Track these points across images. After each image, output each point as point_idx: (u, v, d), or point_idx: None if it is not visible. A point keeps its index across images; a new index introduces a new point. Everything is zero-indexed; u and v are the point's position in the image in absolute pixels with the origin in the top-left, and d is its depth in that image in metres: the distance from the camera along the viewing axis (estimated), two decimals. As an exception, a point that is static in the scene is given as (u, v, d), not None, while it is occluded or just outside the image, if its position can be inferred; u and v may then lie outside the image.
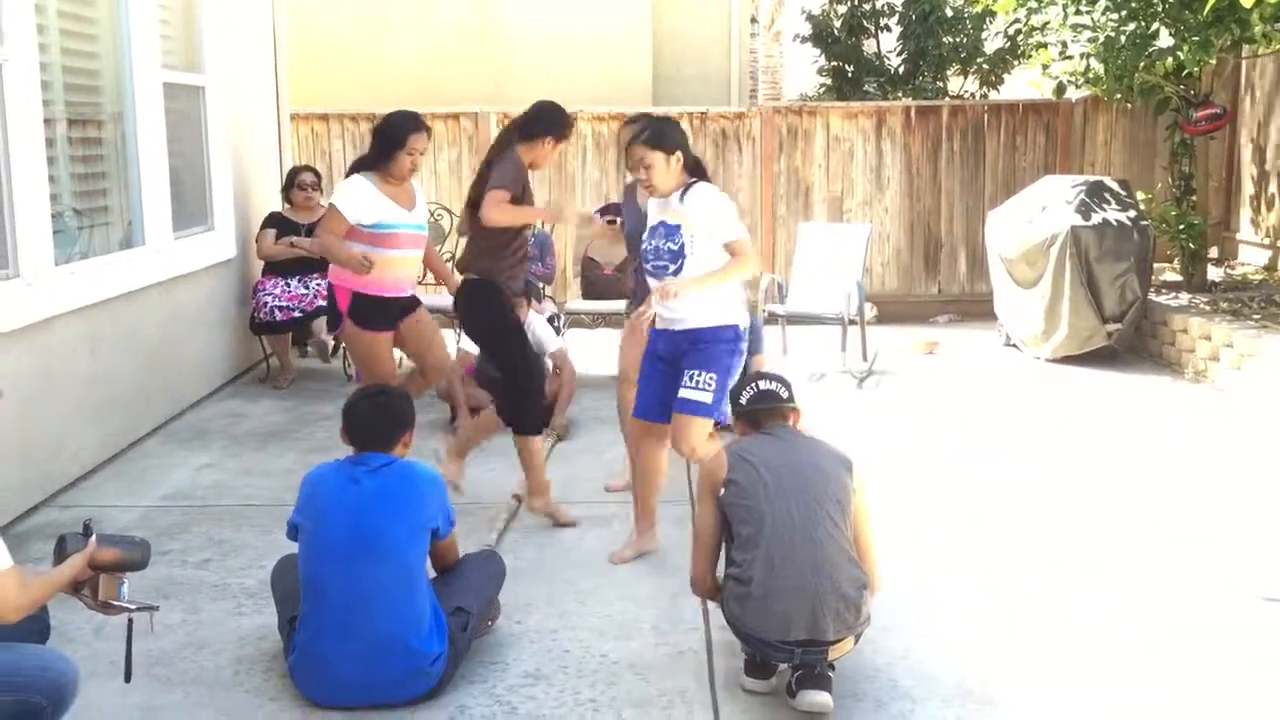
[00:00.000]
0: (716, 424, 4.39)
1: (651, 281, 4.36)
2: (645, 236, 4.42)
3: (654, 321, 4.38)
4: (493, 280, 4.86)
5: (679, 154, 4.28)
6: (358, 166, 5.20)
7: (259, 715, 3.33)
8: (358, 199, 4.98)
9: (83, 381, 5.54)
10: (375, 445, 3.51)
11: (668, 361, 4.36)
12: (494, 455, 5.66)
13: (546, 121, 4.92)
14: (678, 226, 4.26)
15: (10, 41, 4.89)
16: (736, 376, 4.26)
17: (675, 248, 4.25)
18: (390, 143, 5.01)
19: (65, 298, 5.33)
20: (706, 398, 4.20)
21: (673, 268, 4.25)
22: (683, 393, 4.25)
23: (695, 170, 4.39)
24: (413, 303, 5.20)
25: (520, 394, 4.87)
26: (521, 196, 4.80)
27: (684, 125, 9.65)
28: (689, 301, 4.20)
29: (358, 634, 3.27)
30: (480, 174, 4.89)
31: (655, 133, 4.29)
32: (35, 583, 2.75)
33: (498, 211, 4.69)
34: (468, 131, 9.84)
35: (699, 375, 4.23)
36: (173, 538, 4.73)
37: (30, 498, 5.08)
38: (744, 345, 4.37)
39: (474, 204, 4.83)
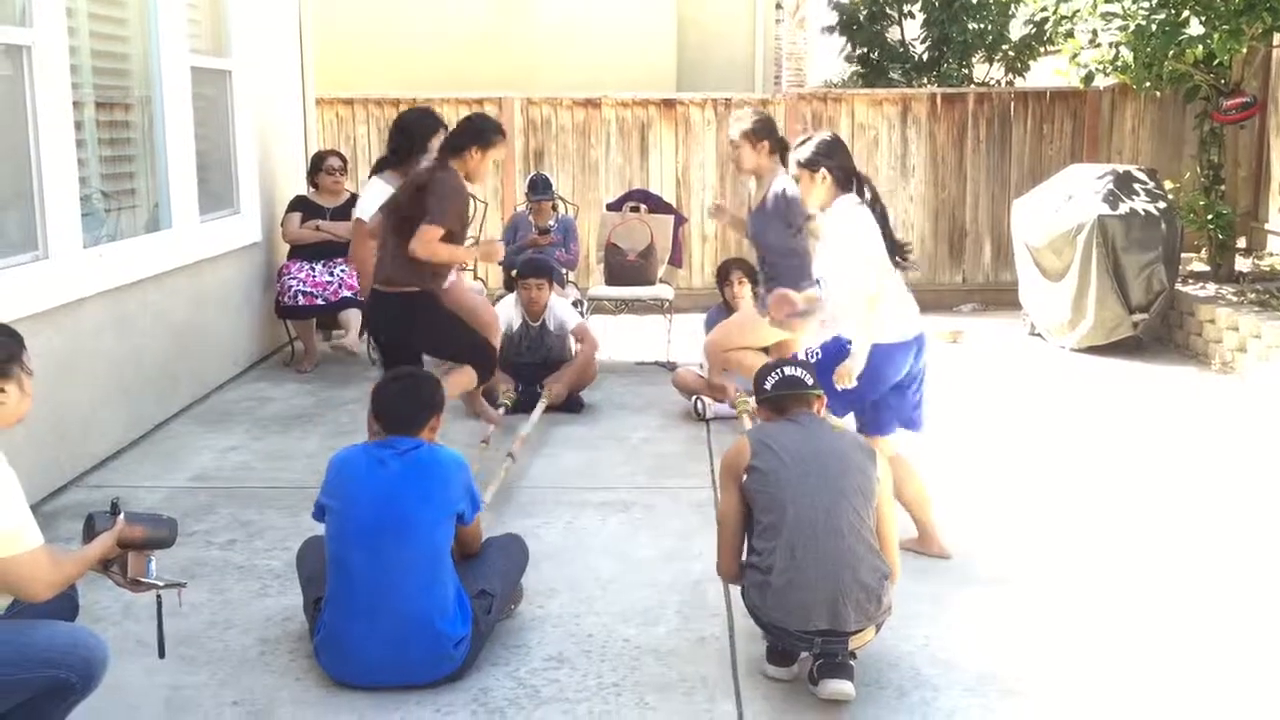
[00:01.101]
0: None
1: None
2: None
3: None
4: (428, 290, 4.96)
5: (825, 173, 4.30)
6: (380, 167, 5.35)
7: (284, 694, 3.35)
8: (368, 202, 5.33)
9: (110, 363, 5.59)
10: (403, 428, 3.53)
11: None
12: (504, 432, 5.68)
13: (468, 134, 4.99)
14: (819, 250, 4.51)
15: (40, 25, 4.91)
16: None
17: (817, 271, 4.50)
18: (409, 143, 5.18)
19: (93, 280, 5.36)
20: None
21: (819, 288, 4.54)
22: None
23: (852, 180, 4.36)
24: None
25: (479, 349, 5.15)
26: (459, 229, 4.97)
27: (707, 112, 9.76)
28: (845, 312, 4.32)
29: (383, 615, 3.29)
30: (414, 193, 4.90)
31: (810, 153, 4.34)
32: (65, 560, 2.78)
33: (428, 250, 4.81)
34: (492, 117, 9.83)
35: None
36: (198, 519, 4.77)
37: (59, 477, 5.13)
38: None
39: (402, 216, 4.88)
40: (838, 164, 4.31)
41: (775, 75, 14.27)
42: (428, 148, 5.15)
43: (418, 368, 4.44)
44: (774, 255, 5.44)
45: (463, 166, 4.95)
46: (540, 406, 6.09)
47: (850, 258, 4.21)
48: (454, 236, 4.90)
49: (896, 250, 4.30)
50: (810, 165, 4.31)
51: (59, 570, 2.72)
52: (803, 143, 4.41)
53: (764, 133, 5.39)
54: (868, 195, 4.32)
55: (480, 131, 5.00)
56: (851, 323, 4.22)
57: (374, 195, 5.46)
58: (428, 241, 4.77)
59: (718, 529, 3.61)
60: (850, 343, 4.21)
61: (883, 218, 4.32)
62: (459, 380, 5.20)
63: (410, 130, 5.40)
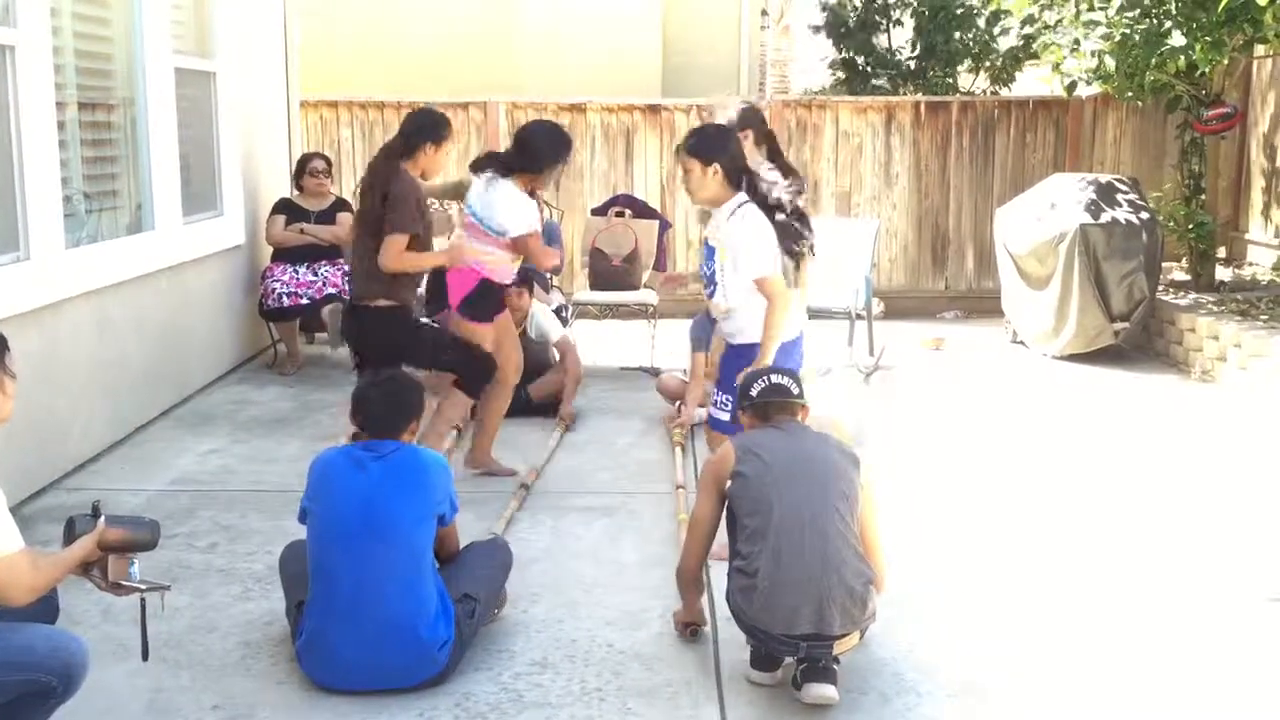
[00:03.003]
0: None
1: (711, 304, 4.42)
2: (702, 252, 4.45)
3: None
4: (404, 305, 4.92)
5: (716, 166, 4.18)
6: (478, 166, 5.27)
7: (265, 698, 3.34)
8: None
9: (91, 365, 5.55)
10: (384, 431, 3.52)
11: None
12: (501, 446, 5.67)
13: (420, 129, 4.91)
14: (713, 251, 4.29)
15: (23, 25, 4.89)
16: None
17: (709, 273, 4.30)
18: (535, 157, 5.07)
19: (75, 281, 5.33)
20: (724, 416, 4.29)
21: (710, 289, 4.33)
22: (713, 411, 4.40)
23: (742, 179, 4.26)
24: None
25: (473, 363, 5.01)
26: (424, 233, 4.87)
27: (692, 118, 9.78)
28: (736, 320, 4.28)
29: (365, 619, 3.28)
30: (370, 197, 4.83)
31: (695, 142, 4.26)
32: (45, 563, 2.76)
33: (398, 262, 4.77)
34: (476, 121, 9.83)
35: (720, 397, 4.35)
36: (180, 522, 4.74)
37: (38, 480, 5.09)
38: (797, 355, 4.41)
39: (368, 223, 4.83)
40: (729, 158, 4.20)
41: (760, 82, 14.29)
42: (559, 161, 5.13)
43: (398, 370, 4.41)
44: None
45: (416, 166, 4.87)
46: (558, 435, 6.07)
47: (752, 256, 4.17)
48: (418, 241, 4.84)
49: (794, 240, 4.31)
50: (702, 158, 4.18)
51: (38, 574, 2.69)
52: (691, 132, 4.33)
53: (753, 126, 5.38)
54: (763, 189, 4.23)
55: (431, 125, 4.92)
56: (756, 324, 4.21)
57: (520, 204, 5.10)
58: (395, 253, 4.74)
59: (688, 530, 3.63)
60: (754, 346, 4.21)
61: (786, 211, 4.28)
62: (447, 415, 5.11)
63: (533, 144, 5.10)
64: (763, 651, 3.40)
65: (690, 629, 3.70)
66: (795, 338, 4.39)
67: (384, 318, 4.88)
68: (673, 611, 3.78)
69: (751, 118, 5.26)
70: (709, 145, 4.22)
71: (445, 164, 5.09)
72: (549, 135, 5.11)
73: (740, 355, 4.27)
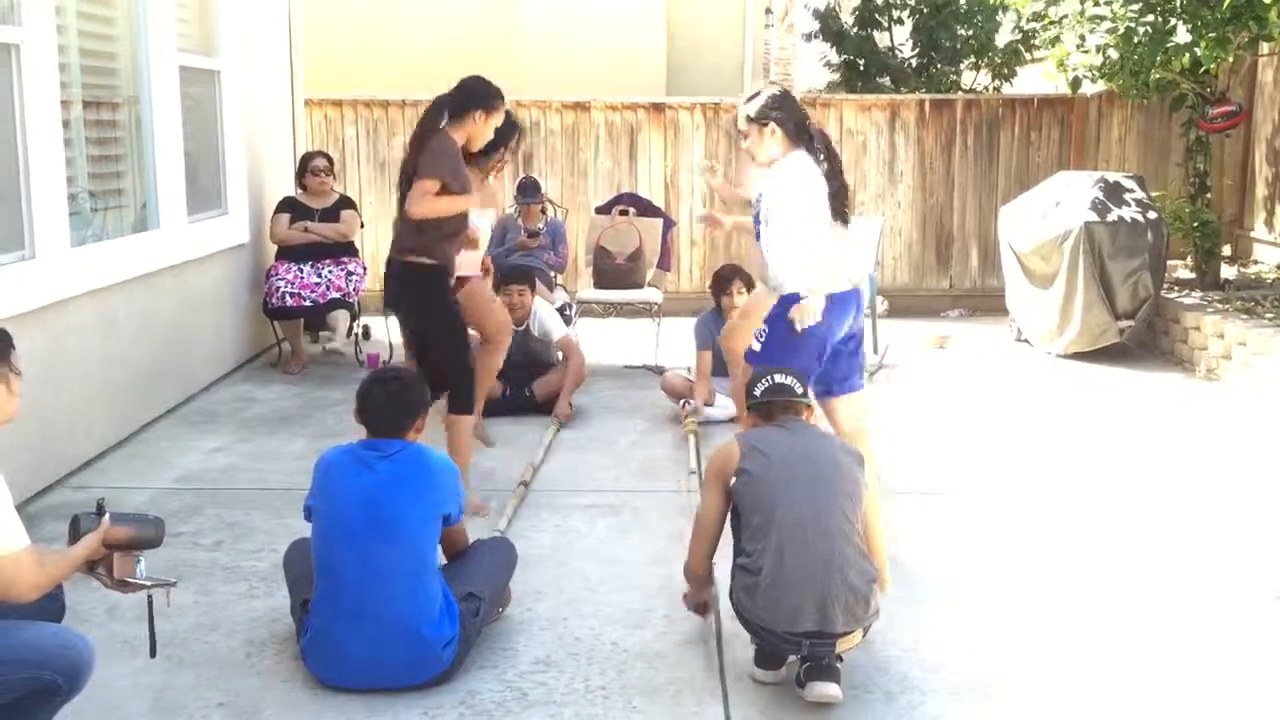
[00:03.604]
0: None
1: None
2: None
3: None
4: (436, 263, 4.71)
5: (774, 125, 4.35)
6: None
7: (270, 696, 3.34)
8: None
9: (96, 363, 5.56)
10: (388, 430, 3.52)
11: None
12: (503, 444, 5.69)
13: (472, 95, 4.76)
14: (760, 195, 4.41)
15: (28, 24, 4.90)
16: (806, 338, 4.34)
17: (755, 213, 4.44)
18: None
19: (80, 279, 5.34)
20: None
21: (757, 229, 4.44)
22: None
23: (803, 135, 4.38)
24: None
25: (463, 373, 4.81)
26: (454, 182, 4.65)
27: (696, 116, 9.77)
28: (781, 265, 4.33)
29: (370, 617, 3.28)
30: (409, 155, 4.74)
31: (747, 106, 4.40)
32: (51, 561, 2.76)
33: (424, 205, 4.58)
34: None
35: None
36: (185, 520, 4.75)
37: (44, 478, 5.10)
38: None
39: (405, 176, 4.72)
40: (788, 116, 4.37)
41: (764, 80, 14.28)
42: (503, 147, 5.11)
43: (403, 368, 4.41)
44: None
45: (461, 131, 4.72)
46: (553, 431, 6.07)
47: (791, 209, 4.27)
48: (447, 190, 4.65)
49: (841, 204, 4.42)
50: (759, 119, 4.37)
51: (44, 571, 2.70)
52: (750, 98, 4.46)
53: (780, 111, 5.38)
54: (819, 147, 4.39)
55: (485, 94, 4.77)
56: (792, 275, 4.29)
57: None
58: (421, 196, 4.56)
59: (695, 528, 3.62)
60: (796, 297, 4.28)
61: (835, 172, 4.42)
62: (459, 441, 4.89)
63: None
64: (766, 649, 3.40)
65: (701, 609, 3.70)
66: (848, 291, 4.42)
67: (421, 275, 4.70)
68: (682, 594, 3.77)
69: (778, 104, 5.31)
70: (761, 107, 4.37)
71: (489, 136, 4.89)
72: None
73: (786, 303, 4.34)
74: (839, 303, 4.34)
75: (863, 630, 3.36)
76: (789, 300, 4.33)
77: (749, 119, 4.40)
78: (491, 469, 5.41)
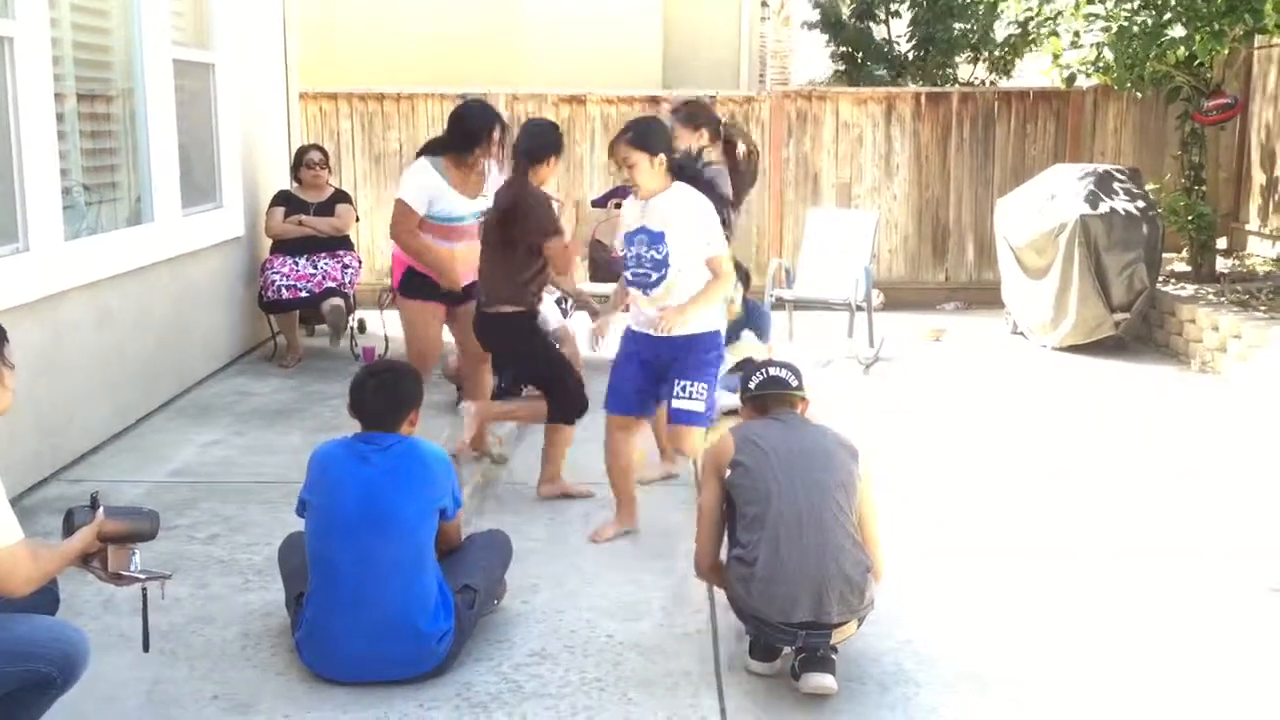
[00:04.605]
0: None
1: (634, 291, 4.40)
2: (624, 243, 4.41)
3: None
4: (534, 311, 4.92)
5: (662, 156, 4.27)
6: (432, 150, 5.36)
7: (265, 689, 3.34)
8: (424, 191, 5.19)
9: (91, 356, 5.56)
10: (381, 423, 3.51)
11: (648, 364, 4.46)
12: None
13: (547, 144, 4.89)
14: (661, 234, 4.27)
15: (21, 16, 4.88)
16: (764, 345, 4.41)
17: (659, 256, 4.27)
18: (471, 138, 5.12)
19: (74, 273, 5.33)
20: (700, 407, 4.34)
21: (655, 276, 4.30)
22: (678, 403, 4.37)
23: (681, 172, 4.36)
24: (470, 292, 5.29)
25: (565, 392, 4.96)
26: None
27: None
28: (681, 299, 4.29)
29: (365, 610, 3.29)
30: (509, 213, 4.76)
31: (639, 133, 4.29)
32: (45, 555, 2.76)
33: (567, 259, 4.90)
34: (476, 112, 9.81)
35: (691, 386, 4.35)
36: (180, 513, 4.75)
37: (39, 471, 5.10)
38: (723, 349, 4.54)
39: (504, 238, 4.79)
40: (670, 149, 4.35)
41: (760, 73, 14.28)
42: (486, 140, 5.14)
43: (397, 361, 4.42)
44: None
45: (538, 175, 4.86)
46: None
47: (706, 233, 4.27)
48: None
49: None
50: (649, 149, 4.25)
51: (38, 565, 2.70)
52: (631, 127, 4.34)
53: (710, 125, 5.41)
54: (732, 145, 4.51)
55: (559, 142, 4.96)
56: (708, 314, 4.35)
57: (421, 180, 5.23)
58: (560, 255, 4.80)
59: (698, 521, 3.62)
60: (703, 336, 4.34)
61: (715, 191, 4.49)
62: (533, 410, 5.16)
63: (466, 121, 5.20)
64: (761, 641, 3.41)
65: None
66: (716, 330, 4.48)
67: (517, 324, 4.88)
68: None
69: (700, 115, 5.39)
70: (655, 138, 4.30)
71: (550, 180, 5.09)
72: (478, 108, 5.18)
73: (701, 345, 4.34)
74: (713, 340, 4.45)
75: (858, 621, 3.37)
76: (712, 343, 4.38)
77: (633, 145, 4.24)
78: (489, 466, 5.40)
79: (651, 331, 4.35)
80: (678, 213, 4.26)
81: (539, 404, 5.08)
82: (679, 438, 4.46)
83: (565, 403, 4.94)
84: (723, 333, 4.52)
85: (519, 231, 4.73)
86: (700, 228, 4.27)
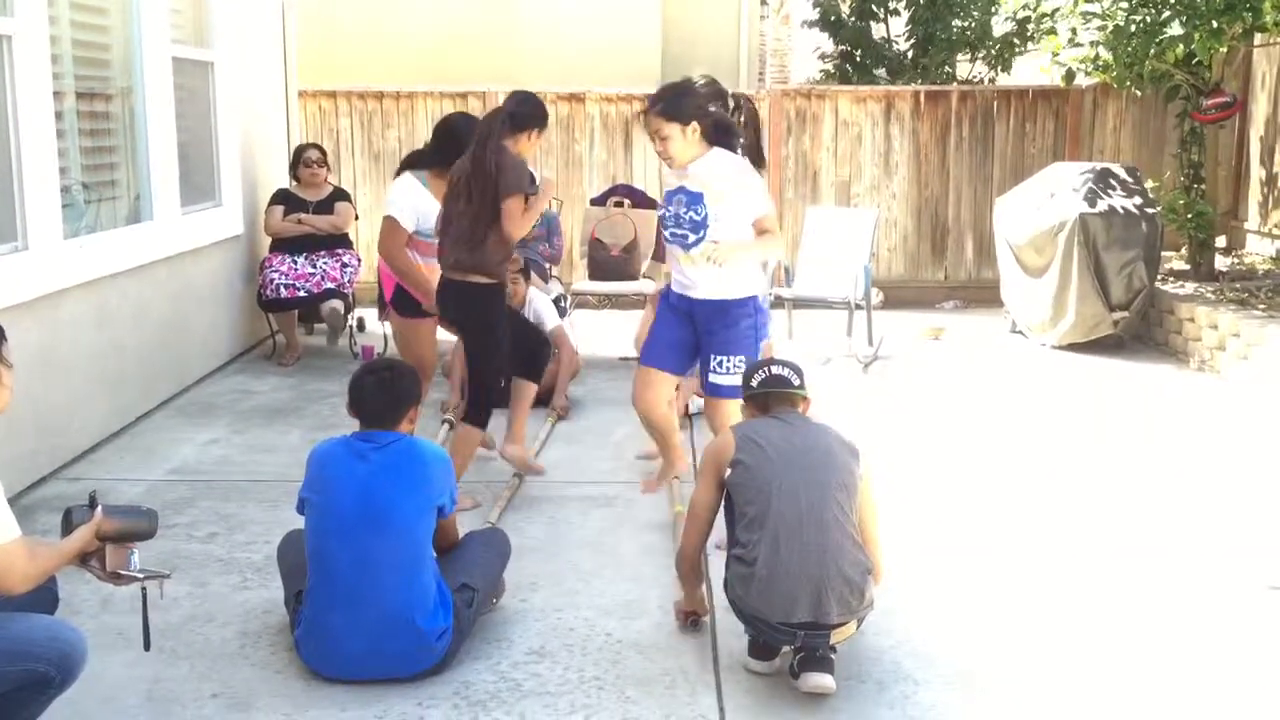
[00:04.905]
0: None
1: (672, 248, 4.36)
2: (663, 202, 4.39)
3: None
4: (502, 284, 4.82)
5: (695, 124, 4.23)
6: (413, 164, 5.32)
7: (264, 687, 3.35)
8: (413, 209, 5.18)
9: (90, 355, 5.56)
10: (380, 421, 3.52)
11: (684, 315, 4.42)
12: (497, 437, 5.66)
13: (534, 114, 4.78)
14: (700, 195, 4.23)
15: (20, 14, 4.88)
16: (762, 344, 4.32)
17: (698, 218, 4.22)
18: (459, 148, 4.88)
19: (73, 271, 5.33)
20: (738, 380, 4.15)
21: (693, 238, 4.24)
22: (714, 378, 4.35)
23: (720, 136, 4.29)
24: None
25: (484, 393, 4.84)
26: (529, 195, 4.70)
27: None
28: (707, 272, 4.21)
29: (364, 609, 3.29)
30: (474, 173, 4.64)
31: (670, 103, 4.25)
32: (43, 553, 2.76)
33: (521, 223, 4.63)
34: (475, 110, 9.79)
35: (728, 360, 4.30)
36: (179, 512, 4.75)
37: (38, 470, 5.10)
38: (766, 315, 4.42)
39: (474, 198, 4.66)
40: (704, 114, 4.26)
41: (759, 71, 14.29)
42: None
43: (395, 359, 4.41)
44: None
45: (517, 145, 4.71)
46: (549, 427, 6.06)
47: (750, 195, 4.24)
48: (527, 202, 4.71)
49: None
50: (682, 118, 4.21)
51: (36, 563, 2.70)
52: (661, 96, 4.31)
53: (716, 100, 5.37)
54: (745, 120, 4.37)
55: (543, 114, 4.83)
56: (740, 275, 4.30)
57: (410, 198, 5.22)
58: (515, 215, 4.58)
59: (688, 516, 3.62)
60: (740, 301, 4.29)
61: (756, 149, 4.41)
62: (460, 446, 4.93)
63: (459, 134, 5.09)
64: (760, 640, 3.41)
65: (691, 618, 3.71)
66: (754, 295, 4.40)
67: (485, 294, 4.74)
68: (674, 602, 3.79)
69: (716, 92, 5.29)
70: (686, 105, 4.23)
71: (530, 154, 4.96)
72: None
73: (738, 311, 4.28)
74: (758, 304, 4.37)
75: (857, 621, 3.37)
76: (747, 308, 4.30)
77: (667, 116, 4.20)
78: (487, 461, 5.40)
79: (690, 294, 4.34)
80: (717, 176, 4.23)
81: (523, 392, 5.12)
82: (714, 412, 4.42)
83: (476, 402, 4.83)
84: (763, 298, 4.39)
85: (491, 189, 4.57)
86: (741, 189, 4.22)
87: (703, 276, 4.29)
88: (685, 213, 4.26)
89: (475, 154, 4.67)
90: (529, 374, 5.21)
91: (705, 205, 4.21)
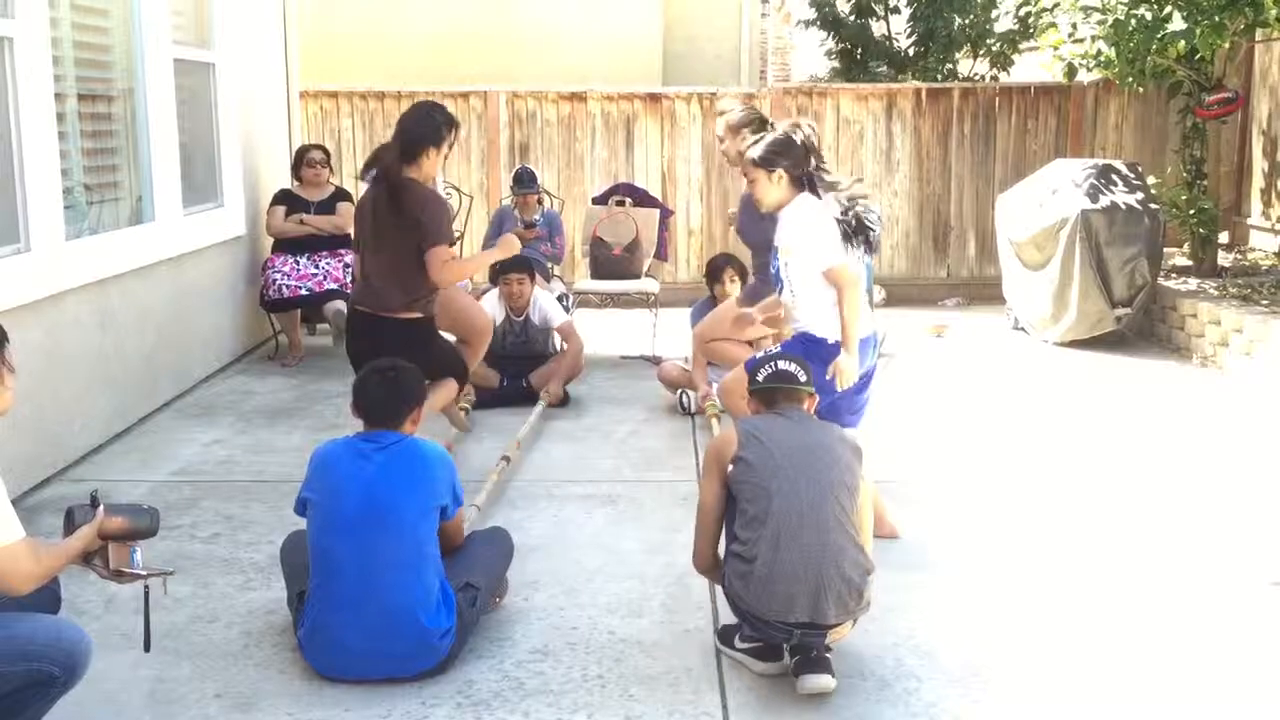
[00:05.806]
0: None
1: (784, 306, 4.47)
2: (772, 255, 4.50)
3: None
4: (431, 317, 4.91)
5: (780, 172, 4.30)
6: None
7: (268, 687, 3.35)
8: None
9: (93, 356, 5.56)
10: (384, 421, 3.52)
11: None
12: (495, 433, 5.68)
13: (422, 134, 4.70)
14: (777, 250, 4.38)
15: (21, 16, 4.88)
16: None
17: (779, 274, 4.38)
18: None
19: (76, 273, 5.34)
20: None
21: (780, 289, 4.41)
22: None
23: (806, 180, 4.33)
24: None
25: (457, 363, 5.13)
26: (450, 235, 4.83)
27: (693, 106, 9.75)
28: (804, 311, 4.30)
29: (367, 608, 3.29)
30: (388, 207, 4.63)
31: (765, 155, 4.32)
32: (46, 552, 2.76)
33: (449, 273, 4.70)
34: (476, 110, 9.83)
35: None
36: (182, 513, 4.75)
37: (41, 471, 5.10)
38: (829, 364, 4.30)
39: (381, 237, 4.70)
40: (792, 163, 4.31)
41: (761, 70, 14.27)
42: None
43: (399, 360, 4.40)
44: (762, 252, 5.43)
45: (420, 172, 4.72)
46: (539, 409, 6.08)
47: (817, 249, 4.23)
48: (452, 245, 4.83)
49: (860, 244, 4.31)
50: (764, 165, 4.32)
51: (39, 563, 2.70)
52: (755, 141, 4.42)
53: (750, 125, 5.40)
54: (823, 194, 4.34)
55: (435, 126, 4.71)
56: (822, 318, 4.25)
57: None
58: (443, 264, 4.65)
59: (697, 516, 3.61)
60: (818, 340, 4.24)
61: (853, 216, 4.31)
62: (442, 396, 5.12)
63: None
64: (758, 638, 3.40)
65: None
66: (868, 336, 4.38)
67: (418, 331, 4.84)
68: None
69: (753, 120, 5.41)
70: (776, 155, 4.32)
71: (439, 164, 4.90)
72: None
73: (806, 342, 4.29)
74: (860, 347, 4.31)
75: (852, 620, 3.37)
76: (814, 343, 4.27)
77: (753, 162, 4.34)
78: (474, 455, 5.40)
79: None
80: (789, 234, 4.32)
81: (447, 387, 5.13)
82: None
83: (459, 369, 5.10)
84: (836, 343, 4.25)
85: (412, 235, 4.58)
86: (809, 245, 4.25)
87: (796, 320, 4.40)
88: (775, 262, 4.41)
89: (387, 191, 4.66)
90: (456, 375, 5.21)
91: (779, 259, 4.36)
